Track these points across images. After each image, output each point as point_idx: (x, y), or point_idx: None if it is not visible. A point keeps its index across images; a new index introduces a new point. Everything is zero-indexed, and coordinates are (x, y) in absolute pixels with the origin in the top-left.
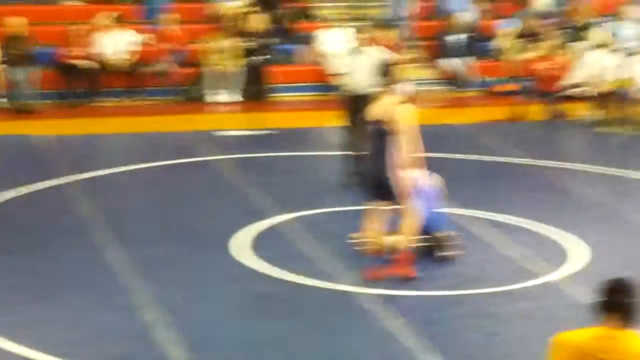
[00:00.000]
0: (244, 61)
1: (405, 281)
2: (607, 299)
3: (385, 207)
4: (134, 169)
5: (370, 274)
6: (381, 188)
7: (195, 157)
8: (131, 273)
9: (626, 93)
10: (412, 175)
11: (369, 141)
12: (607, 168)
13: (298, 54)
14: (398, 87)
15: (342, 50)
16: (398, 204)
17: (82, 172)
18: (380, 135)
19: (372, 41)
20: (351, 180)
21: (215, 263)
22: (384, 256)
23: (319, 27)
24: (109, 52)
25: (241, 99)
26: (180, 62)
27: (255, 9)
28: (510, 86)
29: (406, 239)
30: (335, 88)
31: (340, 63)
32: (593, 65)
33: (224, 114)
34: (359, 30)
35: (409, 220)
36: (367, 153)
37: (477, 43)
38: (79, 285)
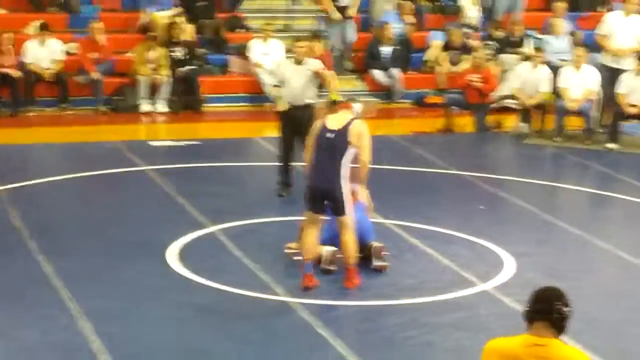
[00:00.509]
0: (173, 71)
1: (345, 291)
2: (536, 307)
3: (322, 217)
4: (64, 179)
5: (307, 283)
6: (326, 199)
7: (126, 167)
8: (63, 284)
9: (556, 105)
10: (353, 187)
11: (316, 152)
12: (536, 180)
13: (231, 65)
14: (355, 104)
15: (280, 61)
16: (339, 214)
17: (10, 182)
18: (330, 147)
19: (310, 52)
20: (285, 191)
21: (149, 274)
22: (320, 266)
23: (252, 38)
24: (35, 62)
25: (169, 109)
26: (108, 72)
27: (184, 18)
28: (441, 98)
29: (354, 250)
30: (267, 99)
31: (276, 74)
32: (522, 77)
33: (155, 124)
34: (297, 40)
35: (352, 232)
36: (309, 164)
37: (408, 55)
38: (8, 298)
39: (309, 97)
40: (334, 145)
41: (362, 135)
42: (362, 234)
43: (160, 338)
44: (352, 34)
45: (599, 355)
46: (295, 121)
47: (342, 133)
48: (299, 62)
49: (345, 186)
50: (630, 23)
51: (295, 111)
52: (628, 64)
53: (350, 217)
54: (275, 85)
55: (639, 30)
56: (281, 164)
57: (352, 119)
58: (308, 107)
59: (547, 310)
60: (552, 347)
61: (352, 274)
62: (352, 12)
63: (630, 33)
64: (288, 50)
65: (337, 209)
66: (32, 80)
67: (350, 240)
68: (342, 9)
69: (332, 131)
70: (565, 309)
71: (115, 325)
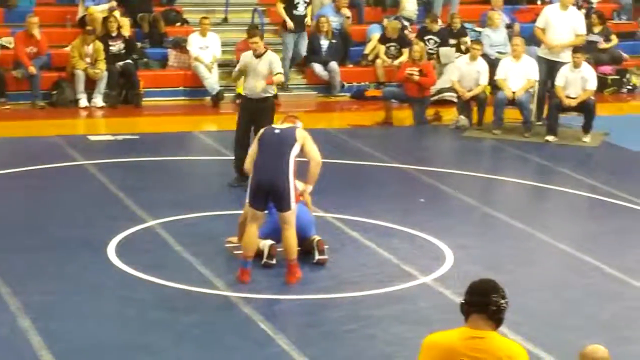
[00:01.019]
0: (110, 65)
1: (286, 285)
2: (472, 299)
3: (263, 211)
4: (2, 174)
5: (243, 277)
6: (271, 194)
7: (65, 162)
8: (3, 281)
9: (495, 97)
10: (297, 184)
11: (262, 150)
12: (476, 172)
13: (170, 58)
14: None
15: (246, 52)
16: (283, 210)
17: None
18: (277, 143)
19: (264, 46)
20: (238, 182)
21: (89, 269)
22: (262, 260)
23: (190, 32)
24: None
25: (103, 103)
26: (45, 66)
27: (120, 11)
28: (380, 91)
29: (294, 245)
30: (206, 92)
31: (240, 62)
32: (461, 70)
33: (93, 119)
34: (249, 37)
35: (293, 228)
36: (252, 161)
37: (347, 48)
38: None
39: (266, 90)
40: (281, 141)
41: (307, 138)
42: (303, 227)
43: (101, 333)
44: (304, 47)
45: (538, 346)
46: (252, 112)
47: (289, 131)
48: (258, 56)
49: (292, 182)
50: (567, 16)
51: (253, 102)
52: (566, 56)
53: (293, 213)
54: (236, 72)
55: (576, 23)
56: (236, 153)
57: (296, 127)
58: (265, 100)
59: (484, 303)
60: (489, 340)
61: (293, 268)
62: (308, 21)
63: (567, 26)
64: (224, 44)
65: (282, 204)
66: None
67: (291, 236)
68: (299, 19)
69: (279, 129)
70: (501, 301)
71: (56, 321)
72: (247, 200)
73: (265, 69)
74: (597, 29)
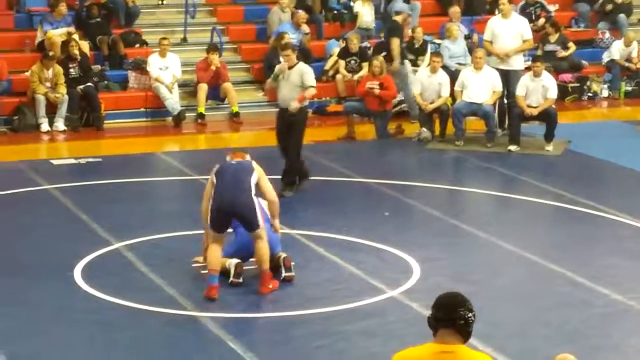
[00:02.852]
0: (71, 89)
1: (254, 303)
2: (439, 315)
3: (223, 233)
4: None
5: (210, 294)
6: (235, 217)
7: (29, 187)
8: None
9: (453, 109)
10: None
11: (220, 181)
12: (440, 184)
13: (130, 80)
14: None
15: (281, 64)
16: (252, 229)
17: None
18: (236, 172)
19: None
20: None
21: (54, 293)
22: (228, 280)
23: (150, 53)
24: None
25: (65, 127)
26: (5, 92)
27: (79, 34)
28: (341, 106)
29: (267, 255)
30: (167, 113)
31: (274, 72)
32: (422, 83)
33: (55, 143)
34: (283, 49)
35: (265, 241)
36: (218, 186)
37: (307, 64)
38: None
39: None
40: (240, 169)
41: (262, 173)
42: (269, 245)
43: (69, 356)
44: None
45: (508, 357)
46: (285, 121)
47: (245, 162)
48: (290, 67)
49: (255, 201)
50: (510, 24)
51: (285, 112)
52: (518, 64)
53: (263, 229)
54: (271, 79)
55: (521, 28)
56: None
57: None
58: (298, 111)
59: (451, 318)
60: (459, 354)
61: (266, 278)
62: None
63: (513, 33)
64: (184, 64)
65: (250, 224)
66: None
67: (263, 247)
68: None
69: (235, 161)
70: (469, 314)
71: (21, 346)
72: (206, 224)
73: (297, 80)
74: (553, 38)
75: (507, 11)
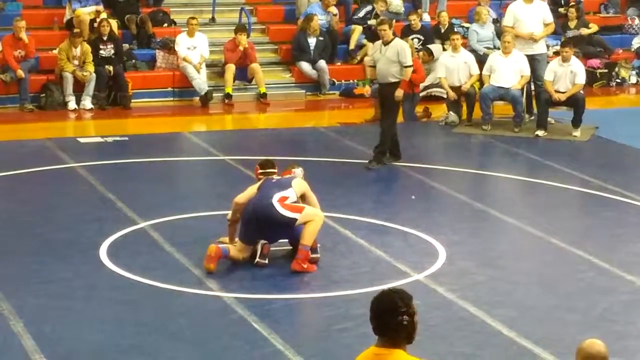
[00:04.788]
0: (99, 67)
1: (279, 285)
2: (373, 323)
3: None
4: None
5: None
6: (269, 229)
7: (55, 164)
8: None
9: (481, 92)
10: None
11: (262, 191)
12: (466, 168)
13: (158, 59)
14: (296, 170)
15: (375, 44)
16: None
17: None
18: (273, 187)
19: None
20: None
21: (81, 271)
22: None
23: (178, 32)
24: None
25: (92, 106)
26: (33, 70)
27: (107, 13)
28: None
29: (313, 233)
30: (195, 93)
31: (371, 55)
32: (447, 65)
33: (82, 121)
34: (379, 24)
35: (314, 224)
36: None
37: (335, 46)
38: None
39: (392, 75)
40: (276, 185)
41: (306, 191)
42: (296, 228)
43: (94, 336)
44: None
45: (532, 342)
46: (383, 95)
47: (285, 179)
48: (386, 43)
49: (275, 205)
50: (533, 8)
51: (383, 87)
52: (541, 47)
53: (304, 215)
54: (370, 66)
55: (543, 13)
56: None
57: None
58: (392, 85)
59: (383, 326)
60: (394, 358)
61: (303, 255)
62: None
63: (535, 19)
64: (212, 44)
65: (289, 233)
66: None
67: (311, 224)
68: None
69: (276, 179)
70: (400, 318)
71: (48, 324)
72: (237, 238)
73: (393, 55)
74: (572, 24)
75: None
